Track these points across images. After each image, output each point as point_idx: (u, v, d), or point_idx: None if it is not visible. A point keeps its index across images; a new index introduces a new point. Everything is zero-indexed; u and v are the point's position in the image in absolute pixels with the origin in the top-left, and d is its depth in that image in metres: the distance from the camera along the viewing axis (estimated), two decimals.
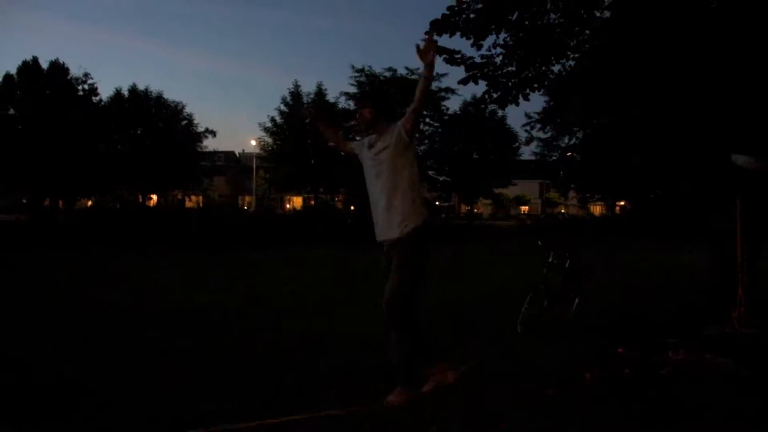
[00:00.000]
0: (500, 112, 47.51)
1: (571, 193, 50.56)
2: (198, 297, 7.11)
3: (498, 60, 7.47)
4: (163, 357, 4.36)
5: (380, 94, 4.10)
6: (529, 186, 64.29)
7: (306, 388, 3.65)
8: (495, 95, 7.51)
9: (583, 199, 49.76)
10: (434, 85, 43.53)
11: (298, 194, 52.22)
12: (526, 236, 20.32)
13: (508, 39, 7.41)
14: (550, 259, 5.66)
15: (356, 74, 42.29)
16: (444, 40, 7.56)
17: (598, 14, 6.99)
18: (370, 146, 3.68)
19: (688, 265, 10.22)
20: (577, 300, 5.72)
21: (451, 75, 47.69)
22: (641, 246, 16.41)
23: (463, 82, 7.54)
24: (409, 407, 3.27)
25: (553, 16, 7.27)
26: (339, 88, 62.72)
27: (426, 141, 47.85)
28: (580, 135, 34.57)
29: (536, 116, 44.86)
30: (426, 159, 49.49)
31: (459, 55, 7.36)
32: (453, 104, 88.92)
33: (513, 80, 7.59)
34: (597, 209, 58.53)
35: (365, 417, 3.12)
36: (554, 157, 44.63)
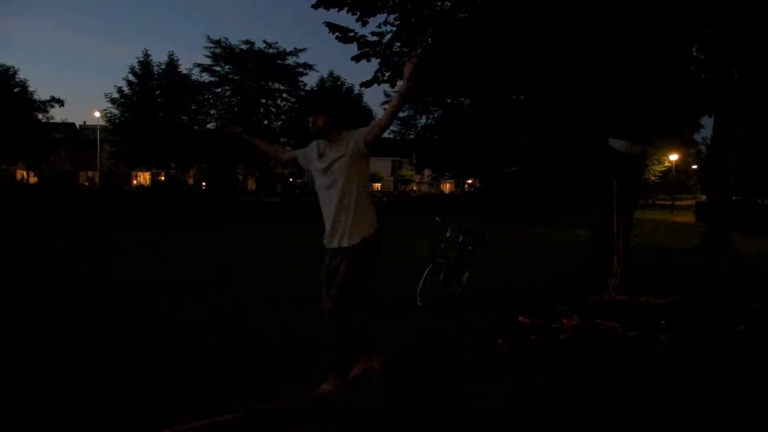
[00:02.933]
0: (357, 90, 47.98)
1: (426, 171, 52.38)
2: None
3: (387, 38, 7.59)
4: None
5: (334, 101, 3.95)
6: (383, 163, 65.66)
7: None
8: (387, 74, 7.63)
9: (436, 177, 51.75)
10: (292, 60, 43.06)
11: (147, 170, 49.27)
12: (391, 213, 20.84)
13: (395, 18, 7.54)
14: (447, 235, 5.89)
15: (212, 45, 40.56)
16: (339, 18, 7.50)
17: None
18: (320, 155, 3.61)
19: (558, 240, 11.13)
20: (467, 273, 6.04)
21: (310, 50, 47.10)
22: (499, 222, 17.44)
23: (356, 59, 7.57)
24: (338, 394, 3.33)
25: None
26: (192, 59, 59.41)
27: (282, 117, 47.23)
28: (438, 114, 35.83)
29: (395, 94, 45.66)
30: (281, 135, 48.89)
31: (352, 33, 7.39)
32: (311, 80, 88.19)
33: (403, 59, 7.73)
34: (447, 187, 61.17)
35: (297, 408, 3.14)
36: (411, 136, 45.89)
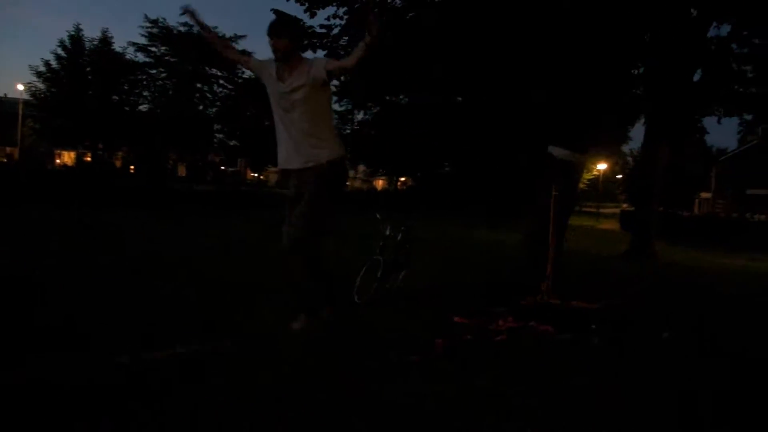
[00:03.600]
0: None
1: (361, 167, 52.43)
2: None
3: (335, 31, 7.54)
4: None
5: (296, 26, 3.88)
6: None
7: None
8: None
9: (371, 173, 51.93)
10: None
11: (73, 149, 47.21)
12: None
13: (344, 12, 7.50)
14: (387, 232, 5.87)
15: (149, 25, 39.35)
16: (287, 8, 7.39)
17: None
18: (280, 78, 3.57)
19: (491, 240, 11.29)
20: (404, 271, 6.05)
21: (250, 38, 46.79)
22: (433, 220, 17.61)
23: (302, 49, 7.46)
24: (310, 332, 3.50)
25: None
26: (128, 38, 57.49)
27: (218, 103, 46.42)
28: (375, 110, 36.01)
29: (333, 89, 45.40)
30: (216, 122, 47.93)
31: (301, 23, 7.29)
32: None
33: (348, 51, 7.69)
34: (379, 184, 61.47)
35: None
36: (348, 131, 45.98)
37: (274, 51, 3.59)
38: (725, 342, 4.75)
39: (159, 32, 40.45)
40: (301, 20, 7.34)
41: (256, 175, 55.26)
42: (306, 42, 7.37)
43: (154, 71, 41.97)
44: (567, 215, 6.21)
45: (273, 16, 7.54)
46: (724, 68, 6.96)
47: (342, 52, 7.80)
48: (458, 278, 6.93)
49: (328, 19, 7.41)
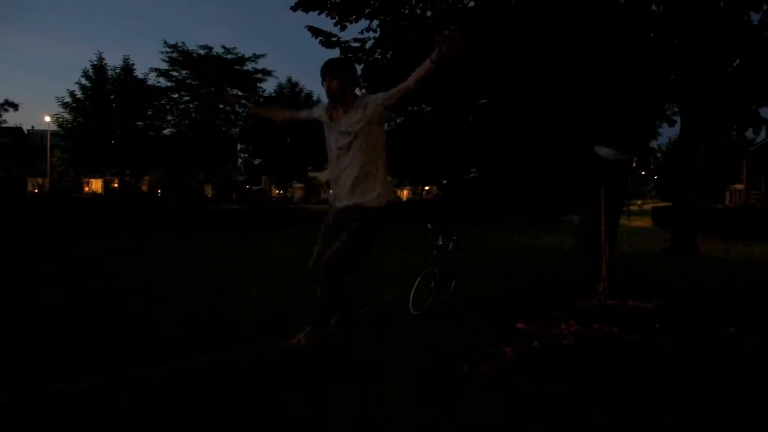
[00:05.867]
0: (315, 95, 48.04)
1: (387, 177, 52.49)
2: None
3: (369, 45, 7.59)
4: None
5: (350, 66, 3.94)
6: None
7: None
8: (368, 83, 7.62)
9: (396, 184, 52.03)
10: (250, 66, 42.72)
11: (100, 176, 48.09)
12: None
13: (378, 25, 7.55)
14: (440, 242, 5.88)
15: (168, 50, 40.01)
16: (320, 23, 7.47)
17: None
18: (334, 119, 3.63)
19: (530, 246, 11.21)
20: (454, 281, 6.05)
21: (269, 56, 47.57)
22: (466, 228, 17.56)
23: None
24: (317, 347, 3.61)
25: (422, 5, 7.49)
26: (149, 64, 58.57)
27: (240, 123, 46.94)
28: (399, 120, 36.14)
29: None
30: (239, 141, 48.46)
31: (335, 38, 7.36)
32: (269, 86, 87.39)
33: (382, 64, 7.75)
34: (404, 194, 61.53)
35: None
36: None
37: (328, 91, 3.63)
38: None
39: (179, 57, 41.06)
40: (337, 35, 7.40)
41: (280, 191, 55.70)
42: (344, 57, 7.43)
43: (176, 95, 42.60)
44: (617, 215, 6.18)
45: (308, 33, 7.69)
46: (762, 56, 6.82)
47: (375, 66, 7.84)
48: (509, 285, 6.91)
49: (361, 32, 7.44)
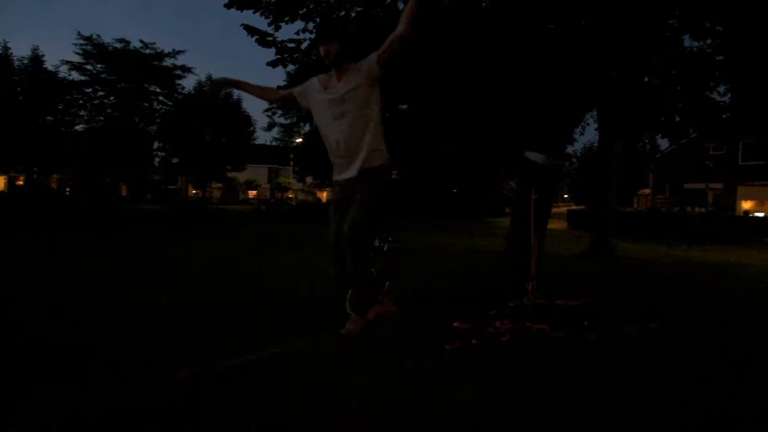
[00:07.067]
0: (235, 95, 47.29)
1: (308, 179, 52.30)
2: None
3: (305, 45, 7.57)
4: None
5: (345, 29, 3.85)
6: (259, 170, 64.85)
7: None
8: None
9: (319, 185, 51.87)
10: (170, 62, 41.47)
11: (4, 173, 45.31)
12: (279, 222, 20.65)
13: (314, 27, 7.54)
14: (376, 243, 5.93)
15: (82, 42, 38.27)
16: (257, 22, 7.38)
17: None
18: (326, 87, 3.57)
19: (460, 246, 11.39)
20: (388, 282, 6.12)
21: (189, 52, 46.49)
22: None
23: (272, 64, 7.47)
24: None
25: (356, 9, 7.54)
26: (61, 56, 55.68)
27: (158, 120, 45.55)
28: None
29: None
30: (156, 139, 47.01)
31: (271, 38, 7.29)
32: (189, 83, 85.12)
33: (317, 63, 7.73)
34: (324, 195, 61.43)
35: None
36: (294, 144, 45.81)
37: (326, 56, 3.56)
38: (710, 332, 5.03)
39: (94, 50, 39.34)
40: (273, 35, 7.32)
41: (198, 191, 54.35)
42: (276, 58, 7.37)
43: (90, 90, 40.77)
44: (546, 218, 6.44)
45: (233, 31, 7.63)
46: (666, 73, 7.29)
47: (311, 67, 7.82)
48: (443, 285, 7.05)
49: (297, 33, 7.42)
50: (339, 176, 3.63)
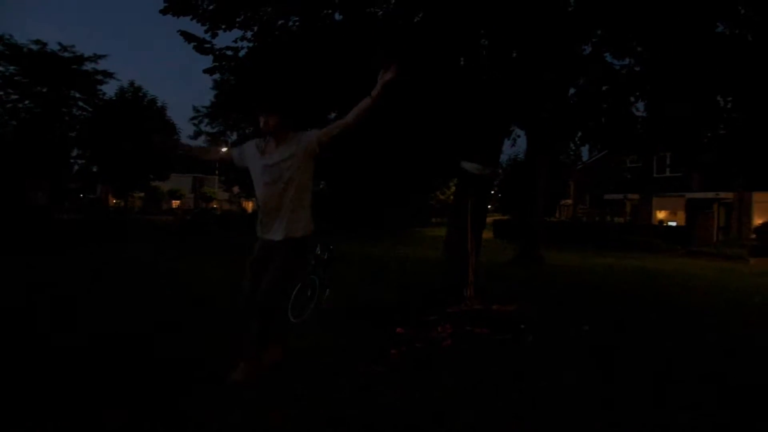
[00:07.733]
0: (160, 102, 46.00)
1: (235, 188, 51.49)
2: None
3: (242, 53, 7.51)
4: None
5: (287, 103, 3.86)
6: (183, 180, 63.27)
7: None
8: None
9: (240, 195, 51.07)
10: (90, 66, 39.90)
11: None
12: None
13: (252, 36, 7.50)
14: (317, 251, 5.98)
15: None
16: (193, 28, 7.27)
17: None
18: (263, 153, 3.61)
19: (392, 255, 11.49)
20: (328, 290, 6.17)
21: (111, 56, 44.81)
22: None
23: (209, 71, 7.37)
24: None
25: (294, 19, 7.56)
26: None
27: (77, 127, 43.66)
28: (249, 131, 35.64)
29: (204, 110, 44.08)
30: (76, 146, 45.11)
31: (209, 45, 7.20)
32: (110, 89, 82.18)
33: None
34: (250, 206, 60.48)
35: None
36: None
37: (264, 125, 3.61)
38: (639, 333, 5.35)
39: (5, 50, 37.30)
40: (211, 42, 7.22)
41: (118, 201, 52.46)
42: (213, 65, 7.30)
43: (1, 92, 38.60)
44: (481, 225, 6.65)
45: (163, 38, 7.51)
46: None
47: (247, 75, 7.79)
48: (381, 292, 7.15)
49: (235, 41, 7.37)
50: (263, 235, 3.68)
